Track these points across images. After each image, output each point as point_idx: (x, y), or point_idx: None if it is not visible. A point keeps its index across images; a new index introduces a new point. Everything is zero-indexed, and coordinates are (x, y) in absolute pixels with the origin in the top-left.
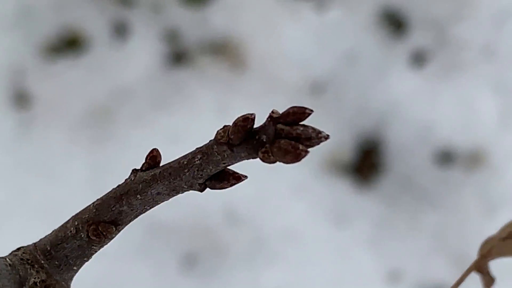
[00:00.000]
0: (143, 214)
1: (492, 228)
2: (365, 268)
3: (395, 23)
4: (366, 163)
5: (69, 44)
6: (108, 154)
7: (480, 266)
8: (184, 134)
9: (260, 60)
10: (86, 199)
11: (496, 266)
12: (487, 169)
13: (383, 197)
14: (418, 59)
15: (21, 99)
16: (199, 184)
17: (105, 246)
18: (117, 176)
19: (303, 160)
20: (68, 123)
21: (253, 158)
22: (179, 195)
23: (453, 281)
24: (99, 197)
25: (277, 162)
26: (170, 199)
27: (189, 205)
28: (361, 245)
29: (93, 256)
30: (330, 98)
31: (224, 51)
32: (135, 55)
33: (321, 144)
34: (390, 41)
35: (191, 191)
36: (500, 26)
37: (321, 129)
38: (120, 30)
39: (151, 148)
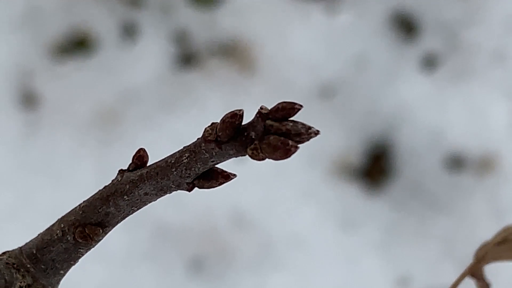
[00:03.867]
0: (131, 215)
1: None
2: (373, 273)
3: (406, 27)
4: (375, 168)
5: (77, 45)
6: (116, 156)
7: (475, 271)
8: (191, 137)
9: (269, 63)
10: None
11: (491, 271)
12: (498, 175)
13: (392, 202)
14: (429, 63)
15: (28, 100)
16: (187, 183)
17: (113, 250)
18: None
19: (310, 163)
20: (76, 125)
21: (242, 155)
22: (167, 195)
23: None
24: (84, 200)
25: (266, 159)
26: (176, 203)
27: (196, 208)
28: (370, 251)
29: (79, 260)
30: (339, 102)
31: (233, 53)
32: (144, 56)
33: (311, 140)
34: (401, 45)
35: (179, 191)
36: (511, 31)
37: (311, 125)
38: (129, 31)
39: (157, 150)
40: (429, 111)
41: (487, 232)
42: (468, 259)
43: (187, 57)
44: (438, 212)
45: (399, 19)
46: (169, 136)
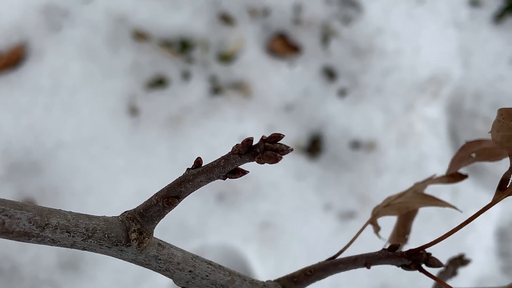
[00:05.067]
0: (192, 192)
1: (380, 183)
2: (312, 203)
3: (330, 74)
4: (314, 148)
5: (159, 83)
6: (179, 142)
7: (372, 221)
8: (219, 133)
9: (259, 93)
10: (168, 167)
11: (381, 221)
12: (377, 151)
13: (323, 166)
14: (342, 93)
15: (133, 111)
16: (223, 175)
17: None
18: (184, 155)
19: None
20: (158, 124)
21: (252, 161)
22: (212, 182)
23: (361, 212)
24: (168, 183)
25: (265, 164)
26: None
27: None
28: (310, 191)
29: (165, 215)
30: (295, 114)
31: (240, 88)
32: (193, 89)
33: (289, 153)
34: (327, 84)
35: (218, 180)
36: (385, 76)
37: (288, 145)
38: (186, 76)
39: (200, 140)
40: (342, 119)
41: (372, 182)
42: (362, 196)
43: (216, 89)
44: (346, 171)
45: (327, 70)
46: (207, 131)
